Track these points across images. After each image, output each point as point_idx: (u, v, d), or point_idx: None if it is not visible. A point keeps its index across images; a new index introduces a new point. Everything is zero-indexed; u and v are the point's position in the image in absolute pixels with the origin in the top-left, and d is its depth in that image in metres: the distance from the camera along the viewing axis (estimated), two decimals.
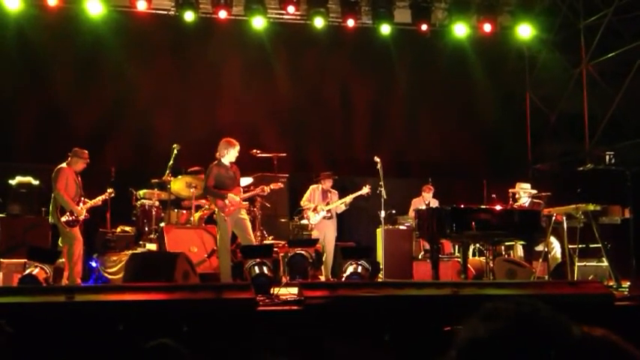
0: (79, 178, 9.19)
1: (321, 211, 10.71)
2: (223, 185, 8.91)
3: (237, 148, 9.01)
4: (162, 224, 10.06)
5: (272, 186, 9.72)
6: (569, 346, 1.36)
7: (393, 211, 11.74)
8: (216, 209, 8.93)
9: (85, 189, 9.27)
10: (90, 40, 12.26)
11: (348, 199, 10.86)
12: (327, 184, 10.91)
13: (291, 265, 8.56)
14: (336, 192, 10.98)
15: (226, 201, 8.73)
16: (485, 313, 1.43)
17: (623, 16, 11.89)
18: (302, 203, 10.96)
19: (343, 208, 10.95)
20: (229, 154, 8.97)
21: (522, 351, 1.35)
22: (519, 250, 9.91)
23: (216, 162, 9.00)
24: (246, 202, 9.49)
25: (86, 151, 9.24)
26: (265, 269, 7.11)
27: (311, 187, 11.02)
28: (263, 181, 10.12)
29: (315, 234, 10.63)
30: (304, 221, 11.00)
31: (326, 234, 10.65)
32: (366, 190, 10.77)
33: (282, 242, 10.18)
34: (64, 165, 9.07)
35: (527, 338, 1.35)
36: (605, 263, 8.79)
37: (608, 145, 11.20)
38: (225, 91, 13.29)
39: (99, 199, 9.40)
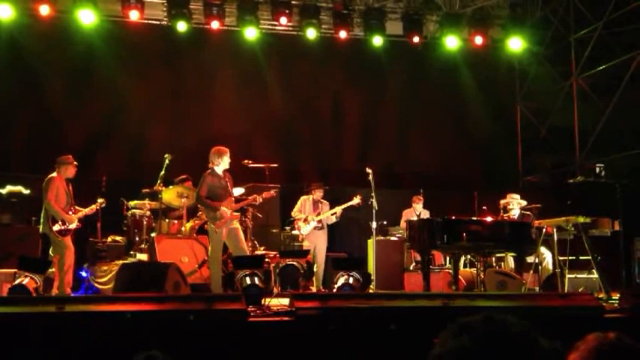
0: (70, 187, 9.15)
1: (311, 221, 10.71)
2: (216, 196, 8.87)
3: (228, 154, 9.00)
4: (153, 234, 10.01)
5: (264, 195, 9.67)
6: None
7: (385, 222, 11.75)
8: (208, 220, 8.93)
9: (76, 198, 9.24)
10: (82, 50, 12.27)
11: (339, 209, 10.87)
12: (318, 194, 10.90)
13: (282, 276, 8.53)
14: (327, 203, 10.98)
15: (217, 213, 8.73)
16: (455, 328, 1.44)
17: (614, 29, 12.00)
18: (293, 214, 10.96)
19: (334, 219, 10.94)
20: (223, 162, 8.95)
21: None
22: (510, 262, 9.93)
23: (209, 171, 8.96)
24: (237, 213, 9.46)
25: (70, 155, 9.17)
26: (256, 280, 7.10)
27: (302, 197, 11.02)
28: (255, 192, 10.11)
29: (306, 244, 10.63)
30: (295, 232, 11.00)
31: (317, 244, 10.64)
32: (356, 200, 10.79)
33: (274, 253, 10.14)
34: (54, 174, 9.03)
35: (493, 353, 1.36)
36: (596, 275, 8.81)
37: (598, 157, 11.28)
38: (217, 101, 13.30)
39: (90, 209, 9.36)
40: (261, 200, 9.64)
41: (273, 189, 10.18)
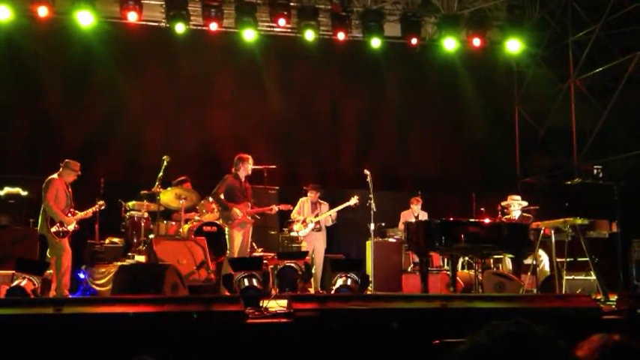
0: (70, 190, 9.17)
1: (310, 223, 10.73)
2: (234, 197, 9.46)
3: (250, 160, 9.70)
4: (151, 236, 10.03)
5: (281, 207, 10.31)
6: None
7: (383, 224, 11.76)
8: (222, 219, 9.63)
9: (75, 200, 9.24)
10: (81, 51, 12.25)
11: (336, 209, 10.89)
12: (314, 195, 10.93)
13: (280, 278, 8.52)
14: (327, 204, 11.01)
15: (230, 214, 9.33)
16: (481, 330, 1.46)
17: (611, 31, 12.04)
18: (292, 216, 10.98)
19: (331, 222, 10.96)
20: (245, 168, 9.61)
21: None
22: (508, 264, 9.94)
23: (232, 174, 9.56)
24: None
25: (78, 164, 9.23)
26: (255, 282, 7.08)
27: (300, 199, 11.05)
28: (253, 194, 10.15)
29: (304, 246, 10.65)
30: (294, 233, 11.02)
31: (315, 246, 10.67)
32: (354, 200, 10.80)
33: (272, 254, 10.17)
34: (54, 176, 9.04)
35: (506, 356, 1.36)
36: (593, 277, 8.83)
37: (596, 159, 11.30)
38: (215, 103, 13.30)
39: (89, 211, 9.37)
40: (277, 210, 10.24)
41: (272, 191, 10.33)
